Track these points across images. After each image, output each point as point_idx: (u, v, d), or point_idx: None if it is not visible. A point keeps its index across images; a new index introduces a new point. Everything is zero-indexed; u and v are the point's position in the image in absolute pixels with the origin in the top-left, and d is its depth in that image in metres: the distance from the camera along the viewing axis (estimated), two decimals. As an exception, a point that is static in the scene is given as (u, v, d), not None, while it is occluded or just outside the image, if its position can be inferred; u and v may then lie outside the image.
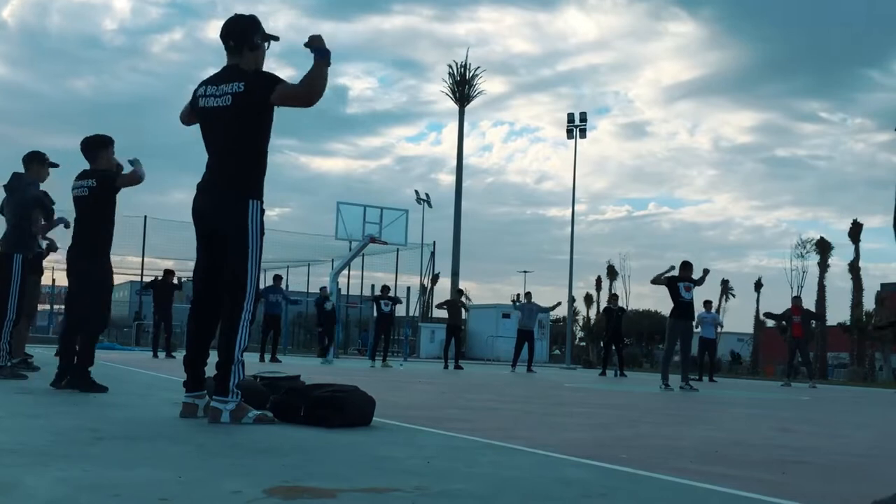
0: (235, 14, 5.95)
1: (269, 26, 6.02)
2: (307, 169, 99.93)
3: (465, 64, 63.95)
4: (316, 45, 5.73)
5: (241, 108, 5.69)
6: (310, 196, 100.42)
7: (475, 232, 78.50)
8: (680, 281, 16.84)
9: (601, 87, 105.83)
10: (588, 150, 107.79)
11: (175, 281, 24.99)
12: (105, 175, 8.47)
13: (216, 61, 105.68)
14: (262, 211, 5.76)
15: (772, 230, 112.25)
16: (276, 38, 6.01)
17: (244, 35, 5.86)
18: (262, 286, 25.70)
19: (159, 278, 24.53)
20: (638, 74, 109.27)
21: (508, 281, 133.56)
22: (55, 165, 10.06)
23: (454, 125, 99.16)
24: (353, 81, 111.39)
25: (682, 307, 16.69)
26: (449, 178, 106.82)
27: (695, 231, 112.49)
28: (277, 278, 26.15)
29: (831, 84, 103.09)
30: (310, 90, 5.76)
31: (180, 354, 24.88)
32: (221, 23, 5.88)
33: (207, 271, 5.86)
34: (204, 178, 5.86)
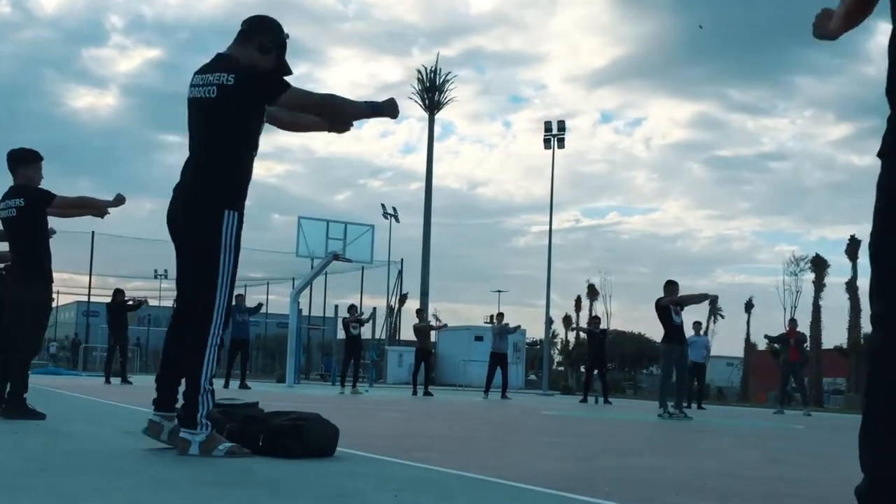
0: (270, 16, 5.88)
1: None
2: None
3: (436, 69, 64.22)
4: (381, 106, 5.86)
5: (226, 104, 5.51)
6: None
7: (416, 243, 73.81)
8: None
9: (508, 71, 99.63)
10: (515, 149, 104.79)
11: (129, 301, 24.89)
12: (35, 194, 8.45)
13: (63, 38, 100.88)
14: (240, 223, 5.60)
15: (740, 243, 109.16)
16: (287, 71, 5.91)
17: (268, 33, 5.78)
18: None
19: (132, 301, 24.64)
20: (548, 53, 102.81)
21: (462, 300, 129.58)
22: None
23: (377, 123, 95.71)
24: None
25: (674, 331, 16.76)
26: (377, 184, 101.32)
27: (653, 243, 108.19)
28: (239, 297, 26.09)
29: (760, 66, 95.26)
30: (329, 103, 5.81)
31: (136, 379, 24.86)
32: None
33: (187, 286, 5.76)
34: (179, 181, 5.73)
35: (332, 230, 29.59)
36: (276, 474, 4.75)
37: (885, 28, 3.19)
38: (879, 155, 3.13)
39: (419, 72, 64.52)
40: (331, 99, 5.82)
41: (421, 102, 63.52)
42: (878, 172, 3.12)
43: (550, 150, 46.29)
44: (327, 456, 5.70)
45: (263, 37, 5.76)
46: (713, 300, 17.66)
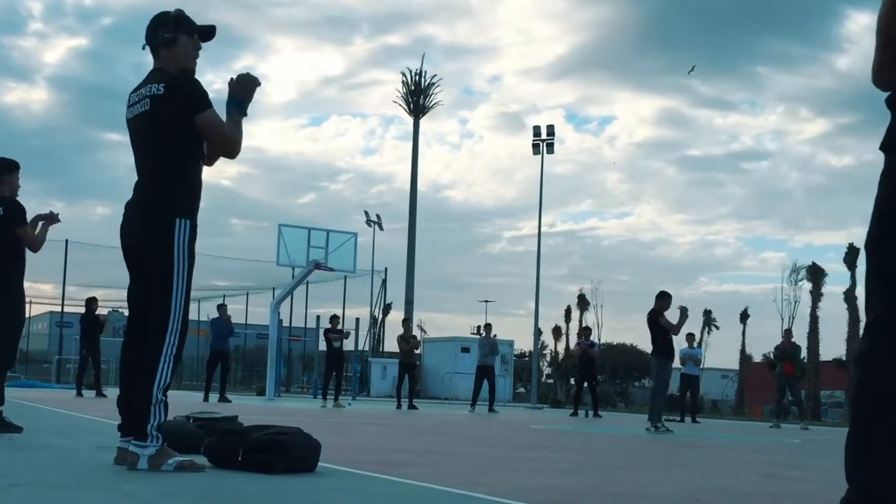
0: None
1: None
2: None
3: (421, 72, 64.27)
4: (237, 95, 5.72)
5: (161, 113, 5.54)
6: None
7: (396, 254, 72.55)
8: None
9: (459, 61, 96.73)
10: (480, 149, 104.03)
11: (98, 312, 24.83)
12: (15, 206, 8.45)
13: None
14: (192, 232, 5.62)
15: (723, 249, 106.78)
16: (206, 30, 5.86)
17: (152, 33, 5.77)
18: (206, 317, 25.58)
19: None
20: (499, 41, 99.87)
21: (440, 309, 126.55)
22: None
23: (339, 120, 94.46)
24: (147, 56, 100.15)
25: (670, 344, 16.72)
26: (338, 187, 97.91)
27: (631, 249, 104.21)
28: (222, 308, 26.03)
29: (723, 55, 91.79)
30: (236, 140, 5.75)
31: (109, 391, 24.82)
32: None
33: (139, 299, 5.77)
34: (130, 198, 5.78)
35: (313, 238, 29.55)
36: (256, 490, 4.75)
37: (854, 15, 3.16)
38: (881, 148, 3.11)
39: (404, 74, 64.57)
40: (233, 132, 5.74)
41: (405, 106, 63.53)
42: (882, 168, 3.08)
43: (539, 156, 46.27)
44: (309, 471, 5.70)
45: (161, 33, 5.75)
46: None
